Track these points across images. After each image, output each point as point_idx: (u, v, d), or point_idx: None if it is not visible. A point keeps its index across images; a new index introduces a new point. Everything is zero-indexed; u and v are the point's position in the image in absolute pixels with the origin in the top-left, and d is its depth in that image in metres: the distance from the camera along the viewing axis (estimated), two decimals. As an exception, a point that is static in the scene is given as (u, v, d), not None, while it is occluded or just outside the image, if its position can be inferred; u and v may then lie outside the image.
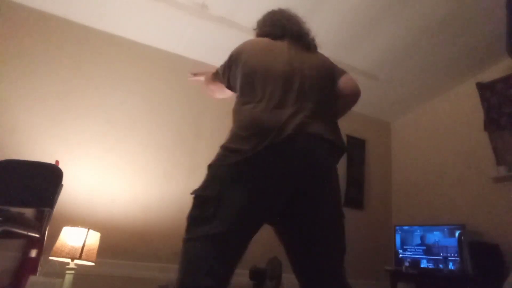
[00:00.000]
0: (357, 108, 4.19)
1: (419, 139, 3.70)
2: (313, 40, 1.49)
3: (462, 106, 3.23)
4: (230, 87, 1.40)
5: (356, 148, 3.83)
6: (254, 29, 1.63)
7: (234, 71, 1.32)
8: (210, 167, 1.10)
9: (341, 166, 3.68)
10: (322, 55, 1.45)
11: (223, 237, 1.00)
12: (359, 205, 3.63)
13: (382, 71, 3.26)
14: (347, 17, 2.63)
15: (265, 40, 1.39)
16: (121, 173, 2.71)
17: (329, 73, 1.39)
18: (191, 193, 1.10)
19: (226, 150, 1.08)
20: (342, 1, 2.48)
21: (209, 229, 1.01)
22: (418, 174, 3.58)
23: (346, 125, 3.89)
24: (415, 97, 3.63)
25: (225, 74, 1.39)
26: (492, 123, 2.84)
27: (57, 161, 2.36)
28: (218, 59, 3.65)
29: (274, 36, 1.41)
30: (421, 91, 3.51)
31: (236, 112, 1.19)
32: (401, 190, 3.78)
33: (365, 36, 2.82)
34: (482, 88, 2.96)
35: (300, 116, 1.09)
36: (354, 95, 1.51)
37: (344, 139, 4.01)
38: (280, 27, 1.46)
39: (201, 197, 1.06)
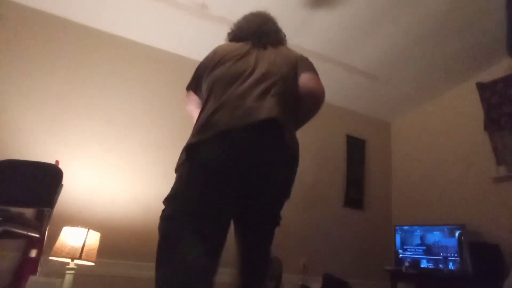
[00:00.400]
0: (357, 108, 4.20)
1: (419, 139, 3.70)
2: (275, 36, 1.56)
3: (462, 106, 3.23)
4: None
5: (356, 148, 3.83)
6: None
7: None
8: None
9: (341, 166, 3.68)
10: (288, 50, 1.52)
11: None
12: (359, 205, 3.63)
13: (382, 71, 3.26)
14: (347, 18, 2.63)
15: (229, 44, 1.51)
16: (121, 173, 2.71)
17: (292, 67, 1.39)
18: None
19: None
20: (342, 1, 2.48)
21: None
22: (418, 174, 3.58)
23: (346, 125, 3.89)
24: (415, 97, 3.63)
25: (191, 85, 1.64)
26: (492, 123, 2.84)
27: (57, 161, 2.36)
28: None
29: (238, 39, 1.52)
30: (421, 91, 3.51)
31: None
32: (401, 190, 3.77)
33: (365, 36, 2.82)
34: (482, 88, 2.96)
35: None
36: (312, 97, 1.39)
37: (344, 139, 4.05)
38: (241, 30, 1.58)
39: None
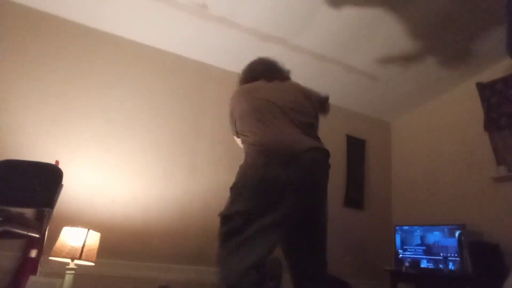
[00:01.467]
0: (357, 108, 4.20)
1: (419, 139, 3.70)
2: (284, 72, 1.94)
3: (462, 106, 3.23)
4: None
5: (356, 148, 3.83)
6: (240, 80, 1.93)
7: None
8: None
9: (341, 166, 3.68)
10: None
11: None
12: (359, 205, 3.63)
13: (382, 71, 3.26)
14: (347, 17, 2.63)
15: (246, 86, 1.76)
16: (121, 173, 2.71)
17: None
18: None
19: None
20: (342, 1, 2.48)
21: None
22: (418, 174, 3.58)
23: (346, 125, 3.89)
24: (415, 97, 3.63)
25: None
26: (492, 123, 2.84)
27: (57, 161, 2.36)
28: (218, 59, 3.65)
29: (253, 79, 1.79)
30: (421, 91, 3.51)
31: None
32: (401, 190, 3.77)
33: (365, 36, 2.82)
34: (482, 88, 2.96)
35: None
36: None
37: (344, 139, 4.05)
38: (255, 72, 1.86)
39: None
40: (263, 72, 1.81)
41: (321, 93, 1.88)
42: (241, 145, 1.63)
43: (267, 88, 1.68)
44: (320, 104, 1.83)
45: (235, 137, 1.76)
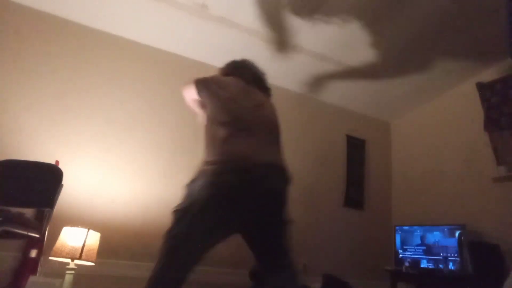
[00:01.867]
0: (357, 108, 4.19)
1: (419, 139, 3.70)
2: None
3: (462, 106, 3.23)
4: None
5: (356, 148, 3.83)
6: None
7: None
8: None
9: (341, 166, 3.68)
10: None
11: None
12: (359, 205, 3.63)
13: (382, 71, 3.26)
14: (347, 17, 2.63)
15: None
16: (121, 173, 2.71)
17: None
18: None
19: None
20: (341, 1, 2.48)
21: None
22: (418, 174, 3.58)
23: (346, 125, 3.89)
24: (415, 97, 3.63)
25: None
26: (492, 123, 2.84)
27: (57, 161, 2.36)
28: (218, 59, 3.64)
29: (246, 80, 1.83)
30: (421, 91, 3.51)
31: None
32: (401, 190, 3.78)
33: (365, 36, 2.82)
34: (482, 88, 2.96)
35: None
36: None
37: (344, 139, 4.05)
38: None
39: None
40: (259, 81, 1.87)
41: None
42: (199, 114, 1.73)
43: (259, 99, 1.74)
44: None
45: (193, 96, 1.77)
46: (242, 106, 1.61)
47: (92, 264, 2.13)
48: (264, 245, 1.55)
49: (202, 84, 1.70)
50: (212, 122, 1.58)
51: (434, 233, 2.86)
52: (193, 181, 1.55)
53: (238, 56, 3.16)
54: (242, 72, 1.85)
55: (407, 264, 2.92)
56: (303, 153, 3.52)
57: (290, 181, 1.58)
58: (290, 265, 1.54)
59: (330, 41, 2.93)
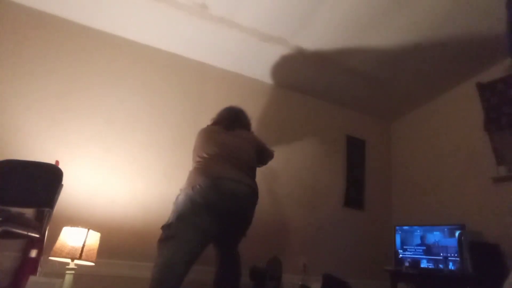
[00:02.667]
0: (357, 108, 4.19)
1: (419, 139, 3.70)
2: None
3: (462, 106, 3.23)
4: None
5: (356, 148, 3.83)
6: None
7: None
8: None
9: (341, 166, 3.69)
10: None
11: None
12: (359, 205, 3.63)
13: (382, 71, 3.26)
14: (347, 18, 2.63)
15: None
16: (121, 173, 2.71)
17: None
18: None
19: None
20: (341, 1, 2.48)
21: None
22: (418, 174, 3.58)
23: (346, 125, 3.89)
24: (415, 97, 3.63)
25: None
26: (492, 123, 2.84)
27: (57, 161, 2.36)
28: (218, 59, 3.64)
29: (217, 123, 2.34)
30: (421, 91, 3.51)
31: None
32: (401, 190, 3.77)
33: (364, 36, 2.82)
34: (482, 88, 2.96)
35: None
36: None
37: (344, 139, 4.05)
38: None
39: None
40: (225, 120, 2.28)
41: (270, 149, 2.40)
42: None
43: (224, 134, 2.15)
44: (267, 157, 2.39)
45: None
46: (208, 147, 2.07)
47: (92, 264, 2.13)
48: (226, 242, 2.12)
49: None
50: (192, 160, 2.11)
51: (434, 233, 2.86)
52: (176, 198, 1.92)
53: (238, 56, 3.17)
54: (221, 121, 2.30)
55: (407, 264, 2.92)
56: (303, 153, 3.52)
57: (255, 197, 2.03)
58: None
59: (330, 41, 2.93)
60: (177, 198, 1.90)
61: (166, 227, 1.81)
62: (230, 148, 2.05)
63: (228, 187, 1.87)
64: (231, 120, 2.29)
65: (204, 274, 2.68)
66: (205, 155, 2.00)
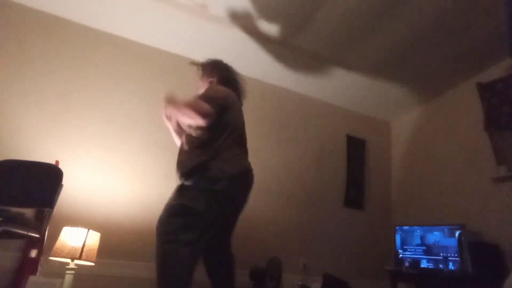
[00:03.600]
0: (357, 108, 4.20)
1: (419, 139, 3.70)
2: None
3: (462, 106, 3.23)
4: (214, 121, 1.60)
5: (356, 148, 3.83)
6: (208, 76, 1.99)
7: (225, 115, 1.68)
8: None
9: (341, 166, 3.69)
10: None
11: None
12: (359, 205, 3.63)
13: (382, 71, 3.26)
14: (347, 17, 2.63)
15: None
16: (121, 173, 2.71)
17: None
18: None
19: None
20: (341, 1, 2.48)
21: None
22: (418, 174, 3.58)
23: (346, 125, 3.89)
24: (415, 97, 3.63)
25: (217, 111, 1.62)
26: (492, 123, 2.84)
27: (57, 161, 2.36)
28: (217, 59, 3.61)
29: (232, 87, 1.89)
30: (421, 91, 3.51)
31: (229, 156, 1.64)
32: (401, 190, 3.77)
33: (365, 36, 2.82)
34: (482, 88, 2.96)
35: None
36: None
37: (344, 139, 4.05)
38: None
39: None
40: (241, 91, 1.96)
41: None
42: (190, 130, 1.62)
43: (241, 114, 1.85)
44: None
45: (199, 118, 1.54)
46: (241, 126, 1.80)
47: (92, 264, 2.13)
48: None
49: (209, 114, 1.56)
50: (214, 141, 1.63)
51: (434, 233, 2.86)
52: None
53: (238, 56, 3.17)
54: (235, 87, 1.93)
55: (407, 264, 2.92)
56: (303, 153, 3.52)
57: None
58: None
59: (330, 41, 2.93)
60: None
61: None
62: (243, 131, 1.81)
63: (250, 182, 1.70)
64: (241, 90, 1.96)
65: (203, 274, 2.68)
66: (235, 138, 1.69)
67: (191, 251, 1.46)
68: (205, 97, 1.66)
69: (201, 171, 1.56)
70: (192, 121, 1.55)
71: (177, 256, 1.44)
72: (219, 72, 1.97)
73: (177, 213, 1.55)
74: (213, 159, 1.58)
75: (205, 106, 1.56)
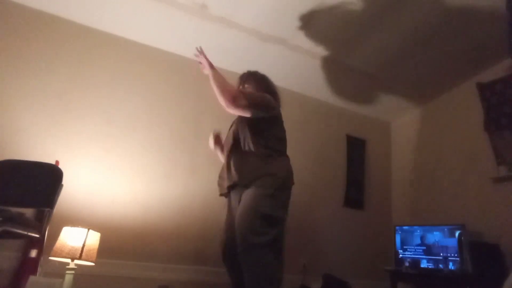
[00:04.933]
0: (357, 108, 4.20)
1: (419, 139, 3.70)
2: None
3: (462, 106, 3.23)
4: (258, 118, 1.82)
5: (356, 148, 3.83)
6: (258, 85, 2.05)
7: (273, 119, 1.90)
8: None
9: (341, 166, 3.68)
10: None
11: None
12: (359, 205, 3.63)
13: (382, 71, 3.26)
14: (347, 17, 2.63)
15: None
16: (121, 173, 2.71)
17: None
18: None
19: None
20: (341, 1, 2.48)
21: None
22: (418, 174, 3.58)
23: (346, 125, 3.89)
24: (415, 97, 3.63)
25: (269, 109, 1.86)
26: (492, 123, 2.84)
27: (57, 161, 2.36)
28: (218, 59, 3.66)
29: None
30: (421, 91, 3.51)
31: (277, 160, 1.81)
32: (401, 190, 3.77)
33: (365, 36, 2.82)
34: (482, 88, 2.96)
35: None
36: None
37: (344, 139, 4.05)
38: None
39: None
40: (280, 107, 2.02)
41: None
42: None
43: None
44: None
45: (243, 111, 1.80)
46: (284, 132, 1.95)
47: (92, 264, 2.13)
48: None
49: (265, 106, 1.84)
50: (261, 146, 1.80)
51: (434, 233, 2.86)
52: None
53: (238, 56, 3.17)
54: (276, 97, 2.01)
55: (407, 264, 2.92)
56: (303, 153, 3.52)
57: None
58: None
59: (330, 41, 2.93)
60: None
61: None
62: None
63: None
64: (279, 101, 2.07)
65: (203, 274, 2.68)
66: (283, 147, 1.89)
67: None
68: (249, 93, 1.88)
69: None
70: (219, 98, 1.80)
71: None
72: (263, 83, 2.06)
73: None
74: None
75: (239, 95, 1.77)
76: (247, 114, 1.77)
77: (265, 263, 1.55)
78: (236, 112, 1.82)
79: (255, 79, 2.04)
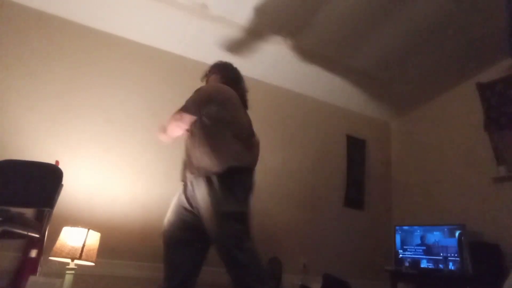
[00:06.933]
0: (357, 108, 4.19)
1: (419, 139, 3.70)
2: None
3: (462, 106, 3.23)
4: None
5: (356, 148, 3.83)
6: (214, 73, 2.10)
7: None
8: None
9: (341, 166, 3.69)
10: None
11: None
12: (359, 205, 3.63)
13: (382, 71, 3.26)
14: (347, 17, 2.63)
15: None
16: (121, 173, 2.71)
17: None
18: None
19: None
20: (341, 1, 2.48)
21: None
22: (418, 174, 3.58)
23: (346, 125, 3.89)
24: (415, 97, 3.63)
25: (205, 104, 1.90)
26: (492, 123, 2.84)
27: (57, 161, 2.36)
28: (218, 59, 3.65)
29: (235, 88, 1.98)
30: (421, 91, 3.51)
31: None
32: (401, 190, 3.78)
33: (365, 36, 2.82)
34: (482, 88, 2.96)
35: None
36: None
37: (344, 139, 4.05)
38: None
39: None
40: (243, 94, 2.03)
41: None
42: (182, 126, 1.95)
43: (245, 116, 1.98)
44: None
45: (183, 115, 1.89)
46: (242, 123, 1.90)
47: (92, 264, 2.13)
48: None
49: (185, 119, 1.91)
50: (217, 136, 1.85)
51: (434, 233, 2.86)
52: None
53: (238, 56, 3.17)
54: (238, 87, 2.00)
55: (407, 264, 2.92)
56: (303, 153, 3.52)
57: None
58: None
59: (330, 41, 2.93)
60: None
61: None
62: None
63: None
64: (245, 96, 2.05)
65: (203, 274, 2.68)
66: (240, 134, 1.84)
67: None
68: (187, 102, 1.91)
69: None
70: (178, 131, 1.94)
71: None
72: (224, 71, 2.10)
73: None
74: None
75: (178, 116, 1.88)
76: (192, 119, 1.88)
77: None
78: (186, 123, 1.93)
79: (218, 68, 2.11)
